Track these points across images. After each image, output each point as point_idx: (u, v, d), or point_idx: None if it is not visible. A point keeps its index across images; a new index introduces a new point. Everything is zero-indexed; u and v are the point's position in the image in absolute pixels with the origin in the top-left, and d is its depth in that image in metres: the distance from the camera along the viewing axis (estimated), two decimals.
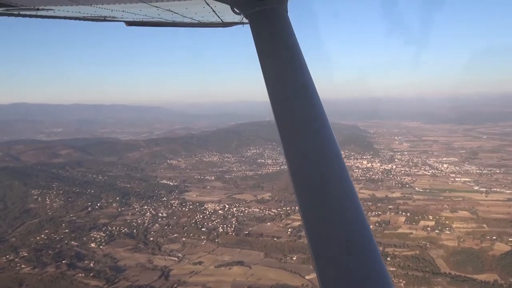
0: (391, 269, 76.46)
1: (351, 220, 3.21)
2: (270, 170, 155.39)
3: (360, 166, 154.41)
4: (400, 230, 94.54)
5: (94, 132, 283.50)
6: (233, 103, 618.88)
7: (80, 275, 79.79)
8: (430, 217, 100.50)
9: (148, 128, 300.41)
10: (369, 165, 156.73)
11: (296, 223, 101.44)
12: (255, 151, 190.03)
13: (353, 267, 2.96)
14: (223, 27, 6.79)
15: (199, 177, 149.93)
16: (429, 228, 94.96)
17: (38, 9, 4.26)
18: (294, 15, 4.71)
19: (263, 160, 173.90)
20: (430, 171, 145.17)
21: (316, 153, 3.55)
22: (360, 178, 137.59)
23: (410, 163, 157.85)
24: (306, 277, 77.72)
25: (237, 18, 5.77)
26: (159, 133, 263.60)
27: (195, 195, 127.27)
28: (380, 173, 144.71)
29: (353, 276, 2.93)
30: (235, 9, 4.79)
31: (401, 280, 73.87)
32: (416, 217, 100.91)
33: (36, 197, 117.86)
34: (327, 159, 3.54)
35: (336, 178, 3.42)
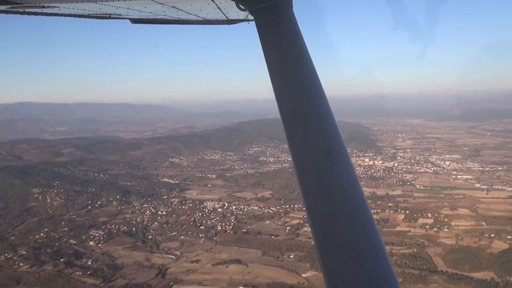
0: None
1: (357, 218, 3.19)
2: (272, 168, 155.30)
3: (362, 163, 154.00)
4: (398, 228, 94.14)
5: (97, 131, 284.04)
6: (238, 101, 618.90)
7: (77, 273, 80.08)
8: (429, 215, 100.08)
9: (152, 126, 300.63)
10: (371, 162, 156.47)
11: (295, 221, 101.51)
12: (257, 149, 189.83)
13: (359, 267, 2.94)
14: (228, 24, 6.79)
15: (200, 175, 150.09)
16: (427, 226, 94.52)
17: (43, 7, 4.21)
18: (299, 10, 4.70)
19: (265, 158, 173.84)
20: (432, 169, 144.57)
21: (322, 150, 3.54)
22: (362, 175, 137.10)
23: (412, 161, 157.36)
24: (303, 275, 77.72)
25: (242, 15, 5.74)
26: (163, 131, 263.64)
27: (195, 193, 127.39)
28: (381, 171, 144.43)
29: (359, 276, 2.91)
30: (240, 5, 4.81)
31: (398, 278, 73.50)
32: (415, 215, 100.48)
33: (37, 195, 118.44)
34: (333, 156, 3.53)
35: (342, 176, 3.40)
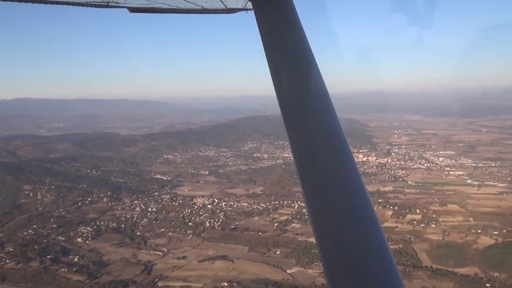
0: None
1: (360, 216, 3.12)
2: (265, 165, 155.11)
3: (355, 159, 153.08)
4: (386, 224, 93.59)
5: (95, 127, 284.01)
6: (238, 97, 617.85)
7: (63, 270, 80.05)
8: (418, 211, 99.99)
9: (149, 123, 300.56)
10: (365, 158, 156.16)
11: (283, 217, 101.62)
12: (252, 145, 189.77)
13: (361, 266, 2.88)
14: (226, 13, 6.65)
15: (193, 171, 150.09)
16: (415, 222, 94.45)
17: None
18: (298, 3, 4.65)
19: (259, 155, 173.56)
20: (425, 165, 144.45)
21: (323, 143, 3.47)
22: None
23: (406, 157, 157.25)
24: (288, 271, 77.76)
25: (240, 3, 5.74)
26: (160, 128, 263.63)
27: (187, 190, 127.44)
28: (375, 167, 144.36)
29: (362, 276, 2.85)
30: None
31: None
32: (403, 211, 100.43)
33: (27, 192, 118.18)
34: (334, 150, 3.45)
35: (344, 172, 3.34)
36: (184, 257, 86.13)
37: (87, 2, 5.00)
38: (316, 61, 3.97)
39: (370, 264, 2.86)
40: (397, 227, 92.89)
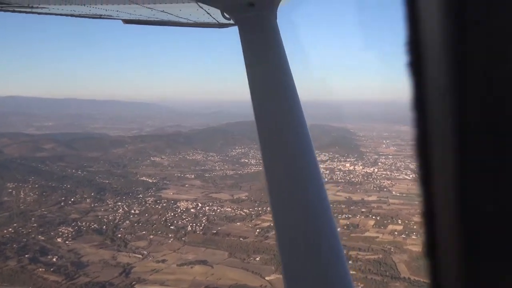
0: (351, 272, 76.14)
1: (318, 222, 3.32)
2: (252, 170, 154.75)
3: (342, 168, 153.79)
4: (367, 234, 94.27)
5: (85, 127, 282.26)
6: (232, 101, 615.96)
7: (40, 269, 79.66)
8: (400, 222, 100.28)
9: (140, 125, 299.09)
10: (351, 168, 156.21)
11: (266, 224, 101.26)
12: (240, 150, 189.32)
13: (316, 268, 3.08)
14: (219, 27, 6.79)
15: (179, 175, 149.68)
16: (396, 232, 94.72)
17: (32, 7, 4.34)
18: (283, 21, 4.71)
19: (246, 160, 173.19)
20: (411, 176, 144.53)
21: (291, 155, 3.70)
22: (340, 180, 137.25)
23: (393, 167, 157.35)
24: (266, 278, 77.88)
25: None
26: (149, 130, 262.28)
27: (171, 193, 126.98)
28: (360, 176, 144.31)
29: (315, 276, 3.03)
30: (225, 14, 4.87)
31: (359, 284, 73.69)
32: (385, 221, 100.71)
33: (10, 190, 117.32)
34: (302, 161, 3.67)
35: (308, 180, 3.57)
36: (163, 261, 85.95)
37: (80, 14, 5.13)
38: (293, 75, 4.12)
39: (323, 267, 3.09)
40: (378, 237, 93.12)
